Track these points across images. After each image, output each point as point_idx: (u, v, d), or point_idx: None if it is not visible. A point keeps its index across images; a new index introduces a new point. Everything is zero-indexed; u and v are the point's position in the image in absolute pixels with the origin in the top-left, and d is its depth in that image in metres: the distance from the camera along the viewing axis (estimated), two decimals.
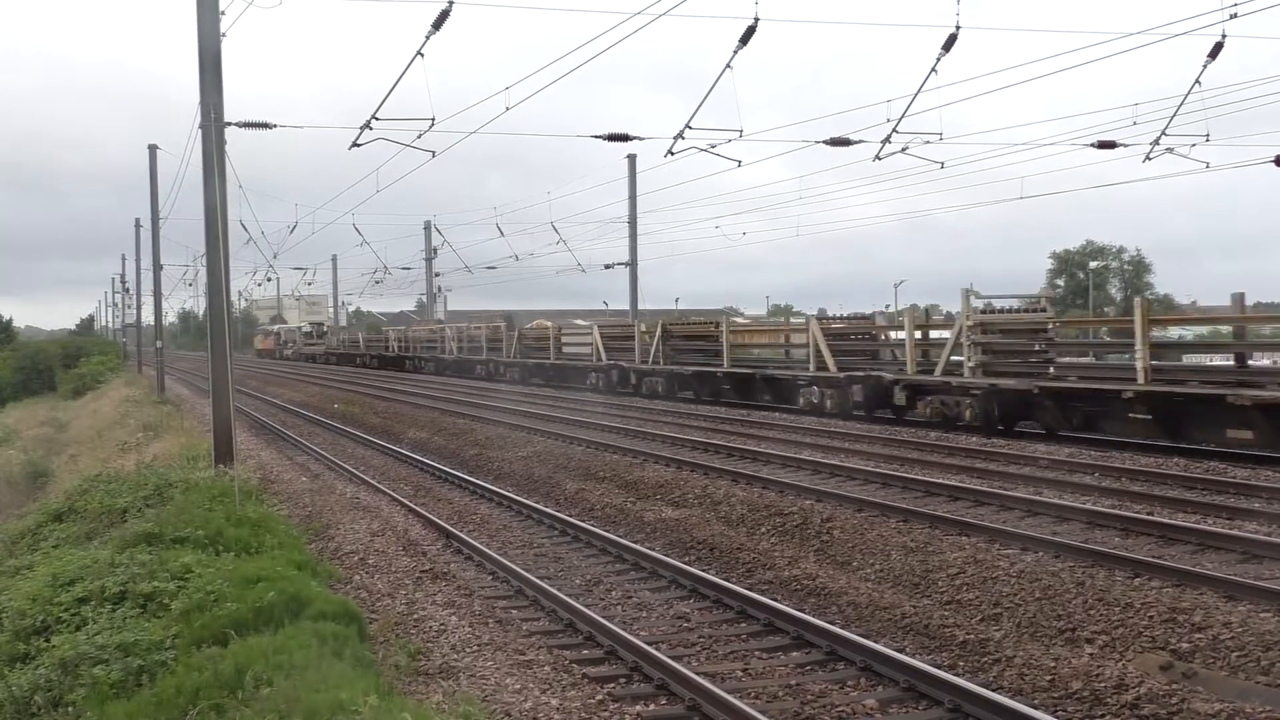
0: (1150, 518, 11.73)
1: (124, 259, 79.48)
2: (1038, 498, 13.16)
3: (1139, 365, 17.92)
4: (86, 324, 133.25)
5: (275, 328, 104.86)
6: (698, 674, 7.87)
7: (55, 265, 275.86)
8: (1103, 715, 7.30)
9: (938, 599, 9.88)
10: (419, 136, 18.97)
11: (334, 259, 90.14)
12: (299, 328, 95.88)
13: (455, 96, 22.80)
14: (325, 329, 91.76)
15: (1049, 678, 7.89)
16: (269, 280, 64.98)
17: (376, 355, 68.06)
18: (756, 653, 8.82)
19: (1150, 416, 17.45)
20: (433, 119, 18.29)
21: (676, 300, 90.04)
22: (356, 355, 72.93)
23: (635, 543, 12.88)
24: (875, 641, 8.72)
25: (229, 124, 16.86)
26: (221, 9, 16.52)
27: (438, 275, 70.72)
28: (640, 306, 47.08)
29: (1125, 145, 22.36)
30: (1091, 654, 8.16)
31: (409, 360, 61.25)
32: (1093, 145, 22.74)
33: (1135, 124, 22.32)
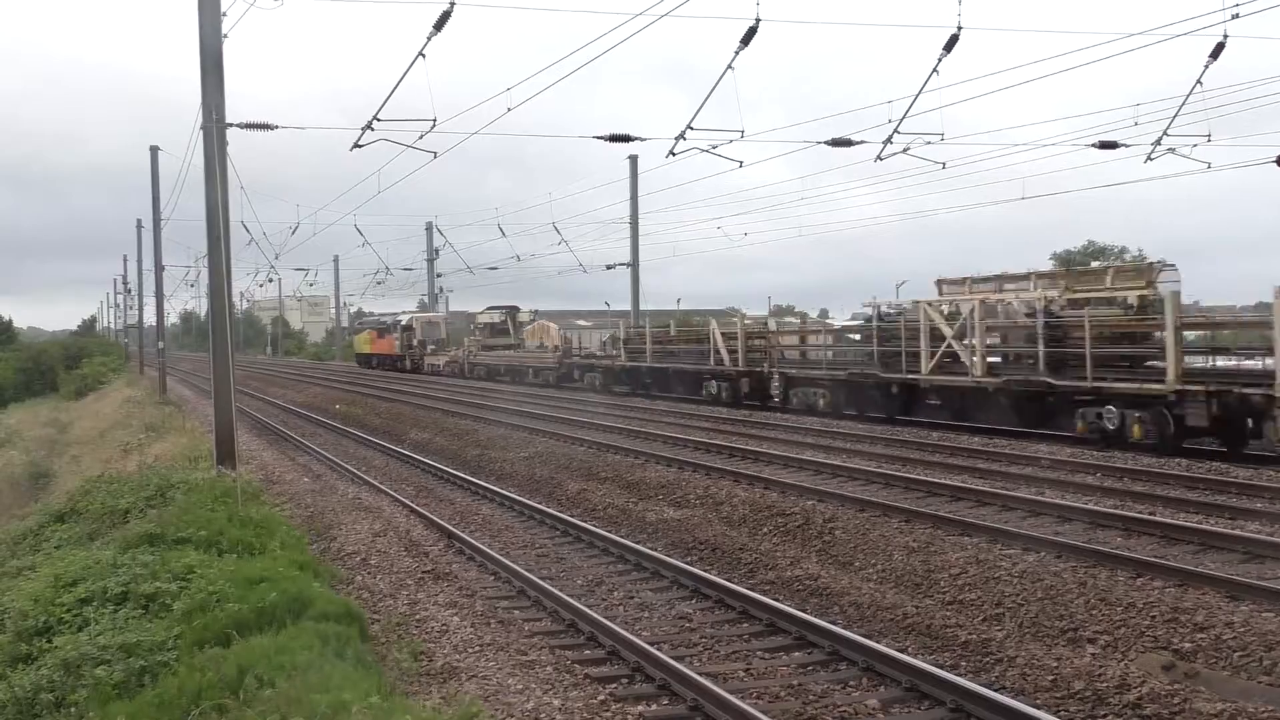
0: (1152, 518, 11.73)
1: (125, 260, 79.51)
2: (1040, 498, 13.16)
3: None
4: (88, 325, 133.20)
5: (404, 317, 64.76)
6: (700, 674, 7.87)
7: (57, 265, 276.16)
8: (1105, 715, 7.30)
9: (940, 599, 9.87)
10: (421, 137, 18.94)
11: (335, 260, 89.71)
12: (471, 319, 60.03)
13: (457, 97, 22.70)
14: (530, 319, 53.87)
15: (1051, 678, 7.89)
16: (270, 281, 64.55)
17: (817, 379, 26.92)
18: (758, 653, 8.82)
19: None
20: (434, 120, 18.25)
21: (678, 301, 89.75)
22: (708, 374, 31.21)
23: (637, 543, 12.88)
24: (877, 642, 8.72)
25: (231, 125, 16.85)
26: (223, 10, 16.53)
27: (439, 276, 70.67)
28: (641, 307, 47.04)
29: (1127, 145, 22.27)
30: (1094, 654, 8.16)
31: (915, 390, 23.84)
32: (1094, 145, 22.67)
33: (1137, 124, 22.21)
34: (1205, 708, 7.00)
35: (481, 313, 57.46)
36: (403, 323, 62.78)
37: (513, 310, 55.86)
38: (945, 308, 22.92)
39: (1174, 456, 16.60)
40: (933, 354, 22.52)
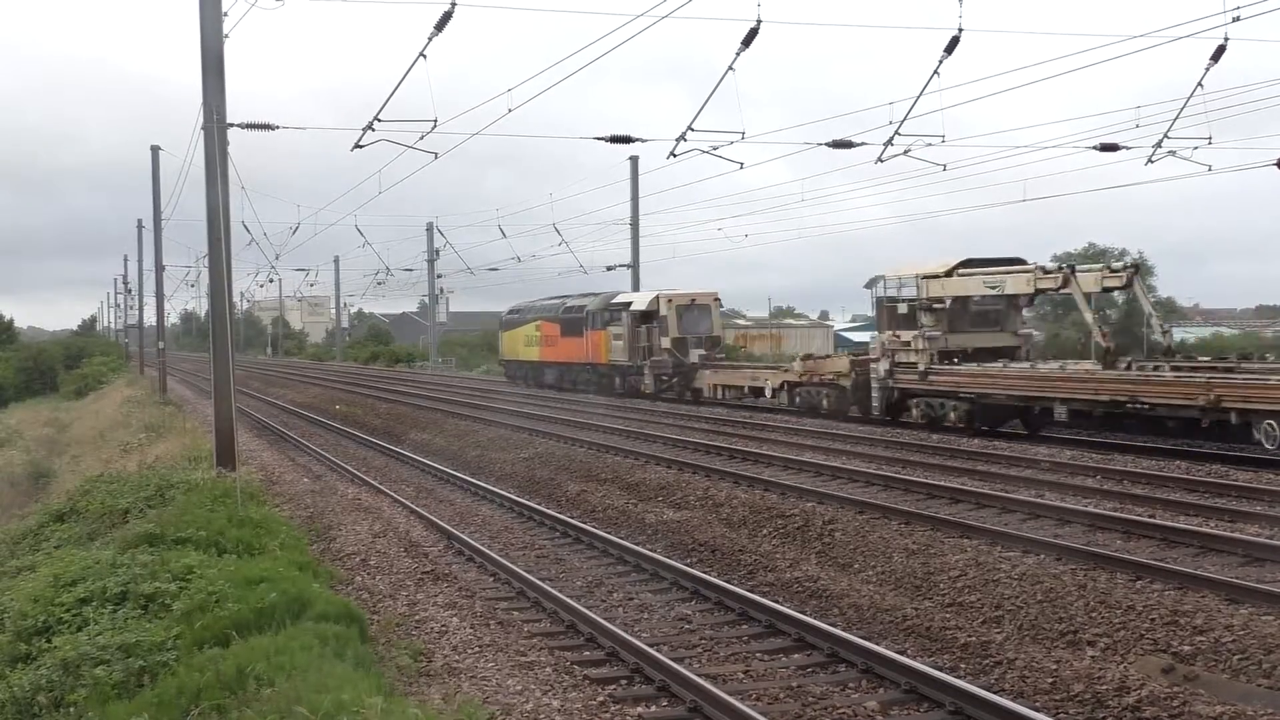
0: (1152, 520, 11.73)
1: (125, 260, 79.41)
2: (1039, 500, 13.16)
3: None
4: (89, 325, 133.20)
5: (631, 297, 35.28)
6: (699, 675, 7.87)
7: (57, 265, 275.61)
8: (1104, 718, 7.30)
9: (939, 601, 9.87)
10: (421, 138, 18.92)
11: (336, 260, 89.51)
12: (896, 290, 24.02)
13: (457, 97, 22.75)
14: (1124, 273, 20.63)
15: (1050, 680, 7.89)
16: (270, 281, 64.51)
17: None
18: (758, 655, 8.82)
19: None
20: (435, 120, 18.24)
21: None
22: None
23: (637, 544, 12.88)
24: (877, 644, 8.72)
25: (231, 125, 16.83)
26: (224, 10, 16.51)
27: (440, 276, 70.61)
28: None
29: (1128, 148, 22.25)
30: (1093, 657, 8.15)
31: None
32: (1096, 148, 22.65)
33: (1138, 126, 22.20)
34: (1204, 711, 7.00)
35: (950, 276, 22.92)
36: (632, 306, 33.84)
37: (1023, 267, 22.14)
38: None
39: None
40: None
